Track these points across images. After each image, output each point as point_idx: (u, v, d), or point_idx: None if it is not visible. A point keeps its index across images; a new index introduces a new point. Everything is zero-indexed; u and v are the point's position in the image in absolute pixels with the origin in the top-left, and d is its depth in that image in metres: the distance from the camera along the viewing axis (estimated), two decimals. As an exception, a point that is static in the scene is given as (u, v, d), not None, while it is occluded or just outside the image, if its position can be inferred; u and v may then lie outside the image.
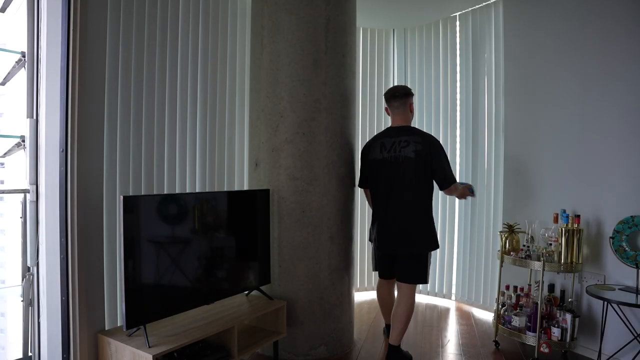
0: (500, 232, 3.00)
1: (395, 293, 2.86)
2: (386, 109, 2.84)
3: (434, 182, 2.66)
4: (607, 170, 2.72)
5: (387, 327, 3.00)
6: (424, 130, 2.79)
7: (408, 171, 2.59)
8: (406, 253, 2.63)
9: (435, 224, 2.70)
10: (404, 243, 2.62)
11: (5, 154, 2.11)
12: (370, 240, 2.87)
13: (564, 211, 2.74)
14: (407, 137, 2.63)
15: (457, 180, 2.73)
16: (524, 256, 2.78)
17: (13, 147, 2.10)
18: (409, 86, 2.87)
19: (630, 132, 2.61)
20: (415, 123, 2.98)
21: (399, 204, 2.62)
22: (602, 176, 2.74)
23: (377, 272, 2.98)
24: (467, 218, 3.80)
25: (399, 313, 2.63)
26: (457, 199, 3.64)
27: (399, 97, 2.71)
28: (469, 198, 3.02)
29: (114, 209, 2.27)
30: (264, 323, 2.62)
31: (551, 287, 2.84)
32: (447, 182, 2.62)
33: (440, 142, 2.69)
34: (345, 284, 2.83)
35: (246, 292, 2.65)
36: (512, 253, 2.87)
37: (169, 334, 2.06)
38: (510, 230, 2.92)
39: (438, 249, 2.85)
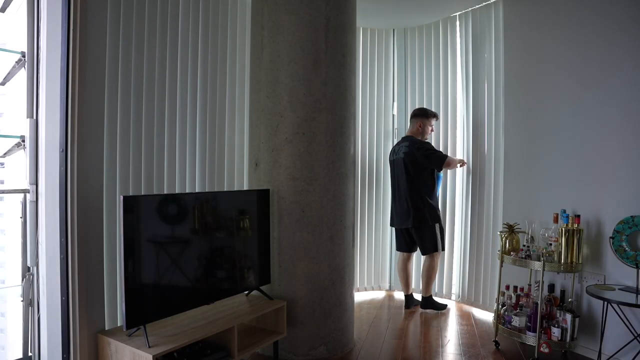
0: (500, 232, 3.00)
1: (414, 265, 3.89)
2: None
3: (433, 169, 3.59)
4: (607, 170, 2.72)
5: (406, 297, 3.75)
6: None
7: (402, 168, 3.58)
8: (411, 229, 3.57)
9: (431, 204, 3.53)
10: (406, 221, 3.57)
11: (5, 154, 2.11)
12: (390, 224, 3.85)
13: (564, 211, 2.74)
14: (403, 143, 3.64)
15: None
16: (524, 256, 2.78)
17: (13, 147, 2.10)
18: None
19: (630, 132, 2.61)
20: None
21: (400, 192, 3.61)
22: (602, 176, 2.74)
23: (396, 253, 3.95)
24: (467, 218, 3.80)
25: (422, 275, 3.67)
26: (456, 199, 3.93)
27: (412, 117, 3.76)
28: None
29: (114, 209, 2.27)
30: (264, 323, 2.62)
31: (551, 287, 2.84)
32: (438, 163, 3.54)
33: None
34: (345, 284, 2.83)
35: (246, 292, 2.66)
36: (512, 253, 2.87)
37: (169, 334, 2.06)
38: (510, 230, 2.92)
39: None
